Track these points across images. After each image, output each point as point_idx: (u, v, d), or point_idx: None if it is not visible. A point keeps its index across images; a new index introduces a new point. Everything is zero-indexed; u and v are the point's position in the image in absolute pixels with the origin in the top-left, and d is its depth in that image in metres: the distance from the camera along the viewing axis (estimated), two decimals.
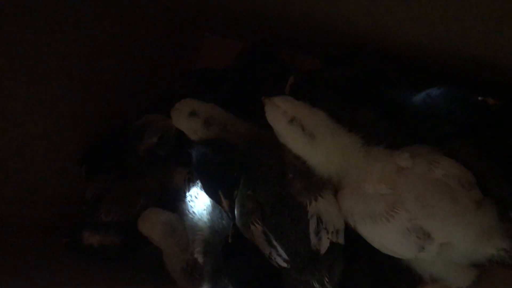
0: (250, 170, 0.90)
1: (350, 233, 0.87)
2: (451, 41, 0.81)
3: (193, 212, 0.97)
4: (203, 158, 0.88)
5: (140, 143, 1.12)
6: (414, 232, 0.77)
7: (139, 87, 1.15)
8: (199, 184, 0.99)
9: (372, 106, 0.92)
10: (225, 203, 0.83)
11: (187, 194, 1.00)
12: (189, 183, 1.01)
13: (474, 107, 0.80)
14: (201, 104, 1.00)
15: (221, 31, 1.25)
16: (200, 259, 0.92)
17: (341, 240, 0.84)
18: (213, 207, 0.95)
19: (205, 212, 0.95)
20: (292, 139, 0.86)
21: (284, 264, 0.84)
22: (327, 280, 0.82)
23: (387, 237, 0.79)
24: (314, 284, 0.83)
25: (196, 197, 0.98)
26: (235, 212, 0.90)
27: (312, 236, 0.83)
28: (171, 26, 1.15)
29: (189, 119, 0.98)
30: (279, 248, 0.84)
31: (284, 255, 0.84)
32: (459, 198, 0.75)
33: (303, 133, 0.84)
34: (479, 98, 0.77)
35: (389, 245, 0.81)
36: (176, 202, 1.04)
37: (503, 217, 0.76)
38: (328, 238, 0.82)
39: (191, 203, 0.98)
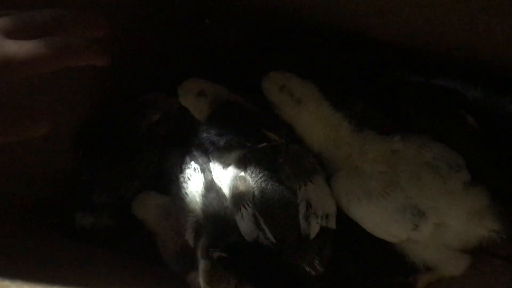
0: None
1: (343, 221, 0.86)
2: (453, 29, 0.80)
3: (186, 193, 0.96)
4: (229, 113, 0.93)
5: (141, 119, 1.11)
6: (409, 209, 0.78)
7: (136, 68, 1.15)
8: (192, 166, 0.99)
9: (363, 95, 0.94)
10: (271, 135, 0.86)
11: (181, 175, 1.00)
12: (182, 165, 1.01)
13: (452, 115, 0.82)
14: (210, 84, 1.01)
15: (221, 18, 1.25)
16: (190, 241, 0.91)
17: (331, 224, 0.84)
18: (206, 189, 0.95)
19: (197, 194, 0.95)
20: (281, 105, 0.92)
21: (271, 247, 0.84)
22: (317, 263, 0.82)
23: (382, 215, 0.80)
24: (305, 267, 0.83)
25: (189, 179, 0.97)
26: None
27: (302, 221, 0.83)
28: (171, 10, 1.15)
29: (197, 98, 1.00)
30: (267, 232, 0.84)
31: (272, 239, 0.83)
32: (447, 178, 0.78)
33: (291, 98, 0.90)
34: (461, 110, 0.79)
35: (383, 224, 0.81)
36: (170, 185, 1.04)
37: (495, 202, 0.78)
38: (317, 222, 0.82)
39: (183, 184, 0.98)
